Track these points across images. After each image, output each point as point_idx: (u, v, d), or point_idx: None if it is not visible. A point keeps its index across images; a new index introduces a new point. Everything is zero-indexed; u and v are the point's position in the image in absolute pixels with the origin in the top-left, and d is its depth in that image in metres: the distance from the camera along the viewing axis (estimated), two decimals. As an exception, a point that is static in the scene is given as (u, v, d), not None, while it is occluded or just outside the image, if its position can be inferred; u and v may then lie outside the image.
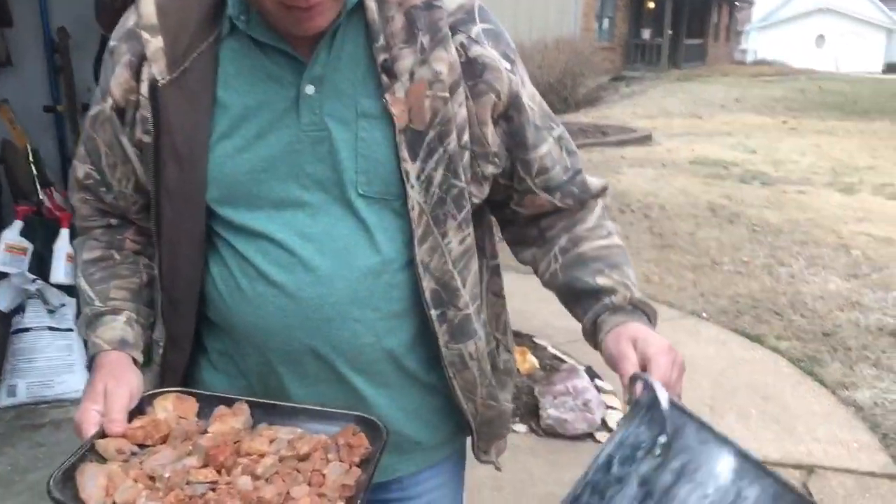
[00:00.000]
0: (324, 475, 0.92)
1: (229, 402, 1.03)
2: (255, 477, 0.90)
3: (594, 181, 1.20)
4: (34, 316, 3.13)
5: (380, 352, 1.08)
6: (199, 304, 1.11)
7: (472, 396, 1.17)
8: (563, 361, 3.58)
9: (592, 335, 1.12)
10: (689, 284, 4.84)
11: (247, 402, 1.02)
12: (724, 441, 0.82)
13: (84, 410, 0.99)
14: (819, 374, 3.71)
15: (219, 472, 0.90)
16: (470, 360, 1.13)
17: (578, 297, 1.14)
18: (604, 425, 3.11)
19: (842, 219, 6.33)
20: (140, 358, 1.11)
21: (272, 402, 1.03)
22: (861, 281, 4.94)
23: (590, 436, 3.07)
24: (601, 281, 1.12)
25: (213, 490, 0.87)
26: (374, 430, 0.99)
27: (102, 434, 0.97)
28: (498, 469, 1.29)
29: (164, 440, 0.99)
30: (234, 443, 0.95)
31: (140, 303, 1.16)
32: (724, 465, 0.81)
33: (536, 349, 3.66)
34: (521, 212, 1.19)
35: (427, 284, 1.06)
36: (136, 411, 1.02)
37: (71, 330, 3.15)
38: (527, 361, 3.50)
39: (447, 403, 1.18)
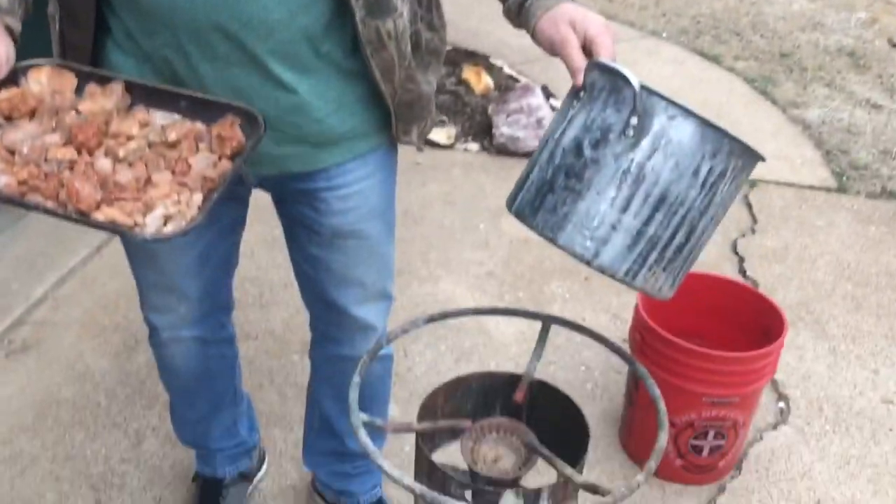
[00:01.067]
0: (189, 165, 0.86)
1: (107, 81, 0.93)
2: (117, 159, 0.83)
3: None
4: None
5: (294, 31, 1.00)
6: None
7: (391, 77, 1.11)
8: (518, 81, 3.46)
9: (517, 17, 1.08)
10: (651, 4, 4.62)
11: (126, 83, 0.93)
12: (689, 114, 0.89)
13: None
14: (772, 93, 3.67)
15: (79, 151, 0.82)
16: (388, 40, 1.05)
17: None
18: (552, 144, 3.09)
19: (816, -66, 5.95)
20: (16, 26, 1.00)
21: (153, 84, 0.95)
22: (825, 1, 4.73)
23: (539, 154, 3.06)
24: None
25: (71, 169, 0.79)
26: (254, 124, 0.93)
27: None
28: (420, 149, 1.26)
29: (32, 114, 0.90)
30: (105, 123, 0.86)
31: None
32: (690, 135, 0.89)
33: (492, 69, 3.54)
34: None
35: None
36: (8, 82, 0.92)
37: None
38: (482, 82, 3.39)
39: (370, 91, 1.12)
